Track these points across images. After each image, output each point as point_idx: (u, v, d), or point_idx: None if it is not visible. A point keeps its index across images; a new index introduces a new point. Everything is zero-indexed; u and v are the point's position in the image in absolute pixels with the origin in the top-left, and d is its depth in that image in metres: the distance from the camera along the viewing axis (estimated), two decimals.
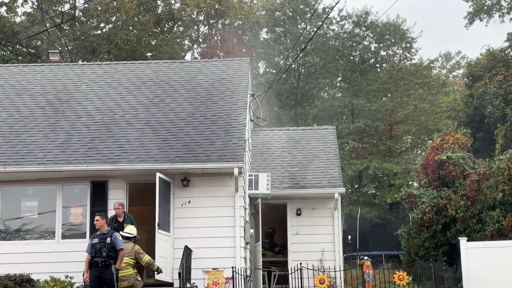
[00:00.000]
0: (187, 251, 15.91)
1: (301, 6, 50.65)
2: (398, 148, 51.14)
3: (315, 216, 20.99)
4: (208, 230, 16.76)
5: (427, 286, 17.98)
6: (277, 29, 51.62)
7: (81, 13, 46.20)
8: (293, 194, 20.99)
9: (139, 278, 14.12)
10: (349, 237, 37.20)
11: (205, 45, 51.35)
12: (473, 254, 19.58)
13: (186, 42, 53.62)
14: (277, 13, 50.87)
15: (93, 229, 14.19)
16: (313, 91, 51.92)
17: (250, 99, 21.35)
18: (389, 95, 50.24)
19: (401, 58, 51.44)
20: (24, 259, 16.30)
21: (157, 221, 16.30)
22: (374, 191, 48.37)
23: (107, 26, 47.81)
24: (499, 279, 18.83)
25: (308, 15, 50.22)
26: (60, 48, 41.53)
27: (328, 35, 51.19)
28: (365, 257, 21.84)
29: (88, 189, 17.25)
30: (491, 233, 22.11)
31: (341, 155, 25.92)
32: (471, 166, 24.30)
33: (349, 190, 46.22)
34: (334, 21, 51.51)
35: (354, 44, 50.61)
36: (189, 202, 17.10)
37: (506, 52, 43.50)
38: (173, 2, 49.28)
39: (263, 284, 19.46)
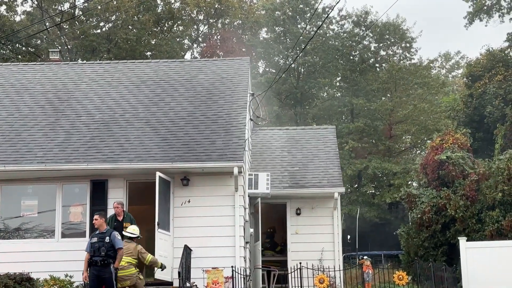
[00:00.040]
0: (187, 250, 15.92)
1: (301, 6, 50.66)
2: (398, 148, 51.15)
3: (315, 215, 21.01)
4: (208, 229, 16.77)
5: (426, 286, 17.98)
6: (276, 28, 51.63)
7: (80, 12, 46.18)
8: (293, 194, 21.01)
9: (141, 277, 14.14)
10: (349, 236, 37.14)
11: (204, 44, 51.35)
12: (473, 254, 19.60)
13: (186, 41, 53.63)
14: (277, 12, 50.88)
15: (92, 228, 14.18)
16: (313, 91, 51.90)
17: (250, 99, 21.36)
18: (388, 95, 50.25)
19: (401, 58, 51.50)
20: (23, 258, 16.29)
21: (157, 220, 16.31)
22: (373, 191, 48.37)
23: (107, 25, 47.82)
24: (498, 279, 18.85)
25: (308, 14, 50.25)
26: (59, 47, 41.53)
27: (328, 35, 51.22)
28: (365, 257, 21.85)
29: (88, 188, 17.25)
30: (491, 233, 22.11)
31: (340, 155, 25.94)
32: (470, 166, 24.30)
33: (349, 190, 46.23)
34: (334, 20, 51.61)
35: (354, 43, 50.65)
36: (189, 202, 17.10)
37: (506, 52, 43.49)
38: (172, 1, 49.28)
39: (262, 283, 19.46)
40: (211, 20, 51.32)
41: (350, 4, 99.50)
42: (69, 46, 45.84)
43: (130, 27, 46.51)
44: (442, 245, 23.47)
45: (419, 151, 52.48)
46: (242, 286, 16.04)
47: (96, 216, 13.41)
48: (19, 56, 43.93)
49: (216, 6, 48.70)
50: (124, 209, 16.24)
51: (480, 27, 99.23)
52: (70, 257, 15.82)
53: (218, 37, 50.96)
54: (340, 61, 50.90)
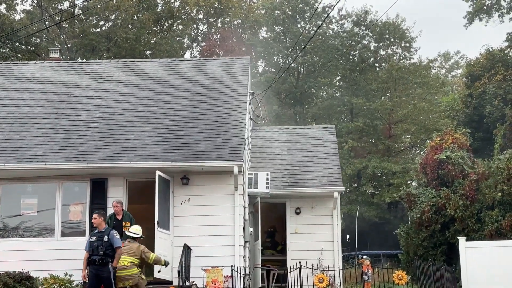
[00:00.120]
0: (187, 250, 15.93)
1: (301, 5, 50.66)
2: (397, 147, 51.16)
3: (314, 215, 21.02)
4: (208, 229, 16.77)
5: (425, 286, 17.98)
6: (276, 28, 51.62)
7: (80, 11, 46.16)
8: (293, 193, 21.02)
9: (143, 277, 14.14)
10: (348, 236, 37.15)
11: (204, 43, 51.32)
12: (472, 253, 19.59)
13: (186, 40, 53.62)
14: (276, 12, 50.88)
15: (92, 227, 14.19)
16: (312, 90, 51.93)
17: (250, 98, 21.37)
18: (388, 94, 50.25)
19: (401, 57, 51.50)
20: (23, 257, 16.30)
21: (156, 219, 16.32)
22: (373, 190, 48.37)
23: (107, 24, 47.80)
24: (497, 278, 18.85)
25: (308, 14, 50.25)
26: (59, 46, 41.53)
27: (327, 34, 51.22)
28: (364, 256, 21.86)
29: (88, 187, 17.26)
30: (490, 232, 22.10)
31: (340, 154, 25.92)
32: (470, 165, 24.29)
33: (348, 189, 46.22)
34: (333, 20, 51.59)
35: (354, 43, 50.66)
36: (188, 201, 17.11)
37: (506, 52, 43.50)
38: (172, 0, 49.26)
39: (262, 282, 19.46)
40: (210, 19, 51.29)
41: (350, 3, 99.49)
42: (68, 45, 45.83)
43: (129, 26, 46.50)
44: (442, 245, 23.46)
45: (418, 151, 52.50)
46: (242, 285, 16.04)
47: (95, 215, 13.43)
48: (19, 55, 43.93)
49: (215, 5, 48.67)
50: (124, 208, 16.27)
51: (480, 27, 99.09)
52: (70, 255, 15.81)
53: (218, 36, 50.92)
54: (339, 61, 50.90)
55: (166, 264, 14.65)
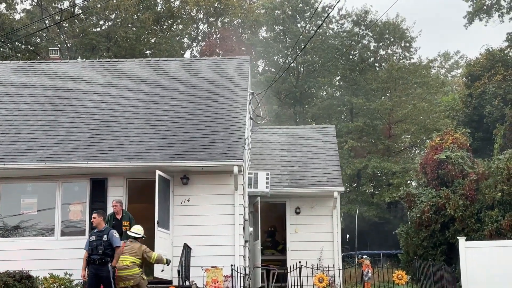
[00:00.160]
0: (186, 249, 15.92)
1: (301, 5, 50.67)
2: (397, 147, 51.18)
3: (314, 214, 21.01)
4: (208, 228, 16.77)
5: (425, 285, 17.98)
6: (276, 27, 51.64)
7: (80, 11, 46.16)
8: (292, 193, 21.01)
9: (145, 277, 14.13)
10: (348, 236, 37.19)
11: (204, 43, 51.31)
12: (472, 253, 19.59)
13: (186, 40, 53.61)
14: (276, 11, 50.90)
15: (92, 226, 14.19)
16: (312, 90, 51.94)
17: (250, 98, 21.37)
18: (388, 94, 50.27)
19: (400, 57, 51.53)
20: (23, 256, 16.31)
21: (156, 218, 16.32)
22: (372, 190, 48.40)
23: (107, 24, 47.79)
24: (497, 278, 18.84)
25: (308, 14, 50.26)
26: (59, 46, 41.49)
27: (327, 34, 51.23)
28: (364, 256, 21.86)
29: (88, 186, 17.26)
30: (490, 232, 22.10)
31: (339, 154, 25.92)
32: (470, 165, 24.29)
33: (348, 189, 46.23)
34: (333, 20, 51.59)
35: (354, 43, 50.68)
36: (188, 200, 17.11)
37: (506, 52, 43.52)
38: (172, 0, 49.25)
39: (262, 282, 19.46)
40: (210, 19, 51.29)
41: (350, 3, 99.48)
42: (68, 45, 45.82)
43: (129, 25, 46.49)
44: (441, 245, 23.46)
45: (418, 151, 52.52)
46: (242, 285, 16.04)
47: (94, 215, 13.43)
48: (19, 54, 43.91)
49: (215, 4, 48.66)
50: (123, 208, 16.27)
51: (480, 27, 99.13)
52: (70, 255, 15.81)
53: (218, 36, 50.93)
54: (339, 61, 50.92)
55: (168, 262, 14.66)
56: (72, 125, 18.90)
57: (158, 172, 16.55)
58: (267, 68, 53.99)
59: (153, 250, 15.42)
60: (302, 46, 43.83)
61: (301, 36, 45.09)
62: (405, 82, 47.91)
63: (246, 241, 17.61)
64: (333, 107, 50.66)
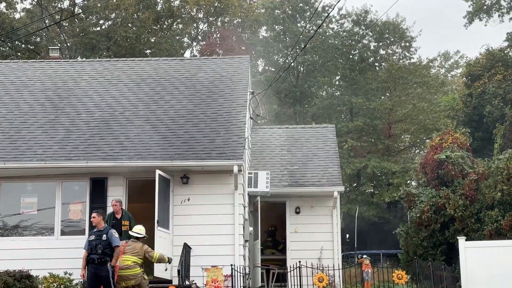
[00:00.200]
0: (186, 249, 15.92)
1: (301, 5, 50.67)
2: (397, 147, 51.17)
3: (314, 214, 21.01)
4: (208, 228, 16.77)
5: (425, 285, 17.99)
6: (276, 27, 51.63)
7: (80, 10, 46.16)
8: (292, 193, 21.01)
9: (146, 277, 14.13)
10: (348, 235, 37.16)
11: (204, 42, 51.32)
12: (472, 253, 19.59)
13: (186, 39, 53.60)
14: (276, 11, 50.89)
15: (92, 225, 14.20)
16: (312, 90, 51.94)
17: (250, 97, 21.36)
18: (388, 94, 50.26)
19: (400, 57, 51.52)
20: (23, 255, 16.31)
21: (156, 218, 16.32)
22: (372, 190, 48.40)
23: (107, 23, 47.81)
24: (497, 278, 18.84)
25: (308, 13, 50.25)
26: (59, 45, 41.50)
27: (327, 34, 51.22)
28: (364, 256, 21.86)
29: (88, 186, 17.26)
30: (490, 232, 22.11)
31: (339, 154, 25.92)
32: (470, 165, 24.29)
33: (348, 189, 46.22)
34: (333, 19, 51.58)
35: (354, 42, 50.66)
36: (188, 200, 17.10)
37: (505, 51, 43.52)
38: None
39: (261, 282, 19.47)
40: (210, 19, 51.29)
41: (350, 3, 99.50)
42: (68, 44, 45.82)
43: (129, 25, 46.50)
44: (441, 245, 23.47)
45: (418, 150, 52.51)
46: (242, 285, 16.04)
47: (94, 214, 13.44)
48: (19, 54, 43.91)
49: (215, 4, 48.67)
50: (123, 207, 16.27)
51: (480, 26, 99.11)
52: (70, 254, 15.80)
53: (218, 35, 50.93)
54: (339, 60, 50.90)
55: (169, 260, 14.66)
56: (72, 124, 18.90)
57: (158, 172, 16.55)
58: (267, 68, 53.99)
59: (153, 250, 15.46)
60: (302, 46, 43.83)
61: (301, 36, 45.09)
62: (405, 82, 47.90)
63: (246, 241, 17.61)
64: (333, 106, 50.65)
